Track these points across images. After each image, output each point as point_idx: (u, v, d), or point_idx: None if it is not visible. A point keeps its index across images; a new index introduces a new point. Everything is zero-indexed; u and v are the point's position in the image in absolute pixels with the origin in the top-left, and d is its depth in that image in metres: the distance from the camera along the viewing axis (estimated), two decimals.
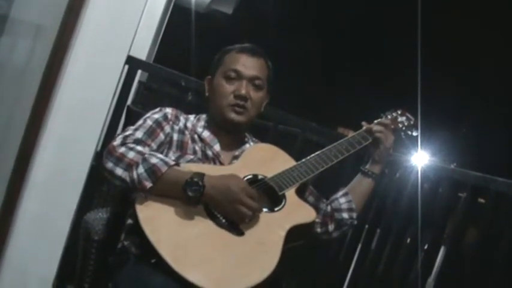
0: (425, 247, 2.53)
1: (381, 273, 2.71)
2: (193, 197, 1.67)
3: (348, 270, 2.95)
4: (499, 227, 2.16)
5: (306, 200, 2.02)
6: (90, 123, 2.61)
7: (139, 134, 1.86)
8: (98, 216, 1.93)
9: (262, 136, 2.41)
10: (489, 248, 2.15)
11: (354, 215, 2.06)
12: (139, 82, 5.80)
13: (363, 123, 2.11)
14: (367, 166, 2.11)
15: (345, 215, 2.05)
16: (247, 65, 1.97)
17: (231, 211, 1.70)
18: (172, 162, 1.74)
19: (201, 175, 1.69)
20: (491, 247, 2.13)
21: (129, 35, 2.66)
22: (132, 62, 2.86)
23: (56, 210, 2.59)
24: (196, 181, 1.67)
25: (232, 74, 1.96)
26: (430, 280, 2.57)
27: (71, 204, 2.60)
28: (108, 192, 2.08)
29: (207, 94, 2.06)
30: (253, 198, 1.71)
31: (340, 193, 2.10)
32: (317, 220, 2.00)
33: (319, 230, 2.05)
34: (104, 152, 1.79)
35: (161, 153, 1.87)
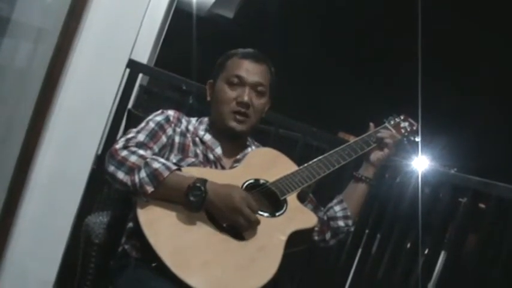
0: (426, 252, 2.52)
1: (381, 278, 2.70)
2: (194, 203, 1.66)
3: (348, 275, 2.95)
4: (500, 232, 2.16)
5: (305, 206, 2.01)
6: (91, 127, 2.61)
7: (141, 137, 1.85)
8: (99, 220, 1.92)
9: (263, 140, 2.41)
10: (490, 253, 2.15)
11: (350, 222, 2.05)
12: (140, 86, 5.79)
13: (371, 124, 2.11)
14: (360, 171, 2.09)
15: (341, 223, 2.04)
16: (250, 71, 1.96)
17: (230, 219, 1.69)
18: (175, 167, 1.73)
19: (204, 181, 1.68)
20: (492, 252, 2.13)
21: (131, 38, 2.67)
22: (134, 66, 2.86)
23: (56, 213, 2.59)
24: (198, 186, 1.66)
25: (235, 80, 1.95)
26: (430, 285, 2.56)
27: (71, 207, 2.60)
28: (108, 195, 2.07)
29: (208, 98, 2.05)
30: (253, 210, 1.70)
31: (335, 201, 2.08)
32: (315, 228, 1.99)
33: (316, 238, 2.04)
34: (106, 155, 1.78)
35: (163, 155, 1.87)
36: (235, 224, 1.69)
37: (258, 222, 1.71)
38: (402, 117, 2.18)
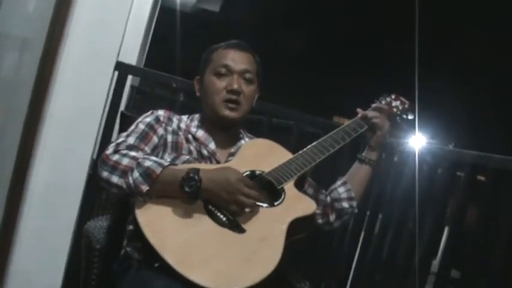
0: (428, 229, 2.52)
1: (386, 258, 2.70)
2: (191, 193, 1.66)
3: (353, 259, 2.95)
4: (500, 203, 2.16)
5: (305, 192, 2.02)
6: (84, 132, 2.60)
7: (131, 140, 1.86)
8: (98, 225, 1.93)
9: (257, 130, 2.41)
10: (492, 225, 2.15)
11: (354, 203, 2.06)
12: (132, 87, 5.79)
13: (358, 110, 2.11)
14: (364, 153, 2.10)
15: (345, 204, 2.05)
16: (237, 59, 1.97)
17: (231, 202, 1.70)
18: (167, 163, 1.74)
19: (196, 170, 1.68)
20: (494, 224, 2.13)
21: (117, 40, 2.66)
22: (122, 68, 2.86)
23: (56, 221, 2.58)
24: (192, 176, 1.67)
25: (223, 70, 1.96)
26: (436, 261, 2.57)
27: (71, 214, 2.60)
28: (107, 199, 2.07)
29: (198, 94, 2.06)
30: (251, 188, 1.71)
31: (339, 182, 2.10)
32: (318, 211, 2.00)
33: (320, 221, 2.05)
34: (98, 161, 1.79)
35: (156, 155, 1.87)
36: (235, 205, 1.70)
37: (259, 198, 1.73)
38: (393, 97, 2.18)
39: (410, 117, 2.20)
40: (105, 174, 1.74)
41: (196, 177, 1.67)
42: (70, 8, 2.53)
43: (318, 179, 2.17)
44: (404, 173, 2.74)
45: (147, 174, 1.69)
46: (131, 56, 4.93)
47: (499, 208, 2.14)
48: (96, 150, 2.78)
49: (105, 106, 2.70)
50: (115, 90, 2.89)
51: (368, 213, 2.90)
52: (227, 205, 1.71)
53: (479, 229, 2.18)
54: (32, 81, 2.50)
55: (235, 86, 1.93)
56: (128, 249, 1.77)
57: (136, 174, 1.70)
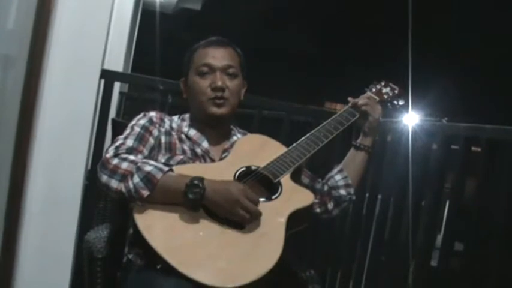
0: (429, 205, 2.53)
1: (389, 238, 2.71)
2: (194, 200, 1.67)
3: (356, 244, 2.95)
4: (496, 172, 2.17)
5: (301, 183, 2.03)
6: (76, 144, 2.60)
7: (130, 142, 1.86)
8: (98, 234, 1.92)
9: (248, 124, 2.40)
10: (490, 195, 2.16)
11: (352, 190, 2.08)
12: (121, 93, 5.79)
13: (349, 98, 2.12)
14: (359, 140, 2.12)
15: (343, 192, 2.07)
16: (217, 56, 1.97)
17: (231, 214, 1.69)
18: (167, 168, 1.74)
19: (201, 178, 1.69)
20: (492, 194, 2.14)
21: (100, 48, 2.65)
22: (107, 75, 2.85)
23: (57, 236, 2.58)
24: (196, 184, 1.67)
25: (205, 69, 1.96)
26: (440, 236, 2.57)
27: (70, 227, 2.59)
28: (105, 208, 2.07)
29: (184, 96, 2.07)
30: (253, 201, 1.70)
31: (335, 170, 2.11)
32: (315, 200, 2.00)
33: (318, 210, 2.06)
34: (97, 165, 1.78)
35: (153, 157, 1.88)
36: (236, 217, 1.69)
37: (259, 213, 1.71)
38: (383, 83, 2.21)
39: (401, 102, 2.22)
40: (104, 178, 1.73)
41: (200, 185, 1.67)
42: (50, 21, 2.52)
43: (312, 168, 2.18)
44: (399, 151, 2.75)
45: (148, 179, 1.69)
46: (117, 63, 4.92)
47: (495, 178, 2.15)
48: (90, 160, 2.78)
49: (94, 115, 2.70)
50: (103, 98, 2.89)
51: (367, 195, 2.90)
52: (228, 216, 1.70)
53: (478, 200, 2.19)
54: (18, 98, 2.49)
55: (219, 83, 1.94)
56: (130, 256, 1.76)
57: (136, 178, 1.69)
